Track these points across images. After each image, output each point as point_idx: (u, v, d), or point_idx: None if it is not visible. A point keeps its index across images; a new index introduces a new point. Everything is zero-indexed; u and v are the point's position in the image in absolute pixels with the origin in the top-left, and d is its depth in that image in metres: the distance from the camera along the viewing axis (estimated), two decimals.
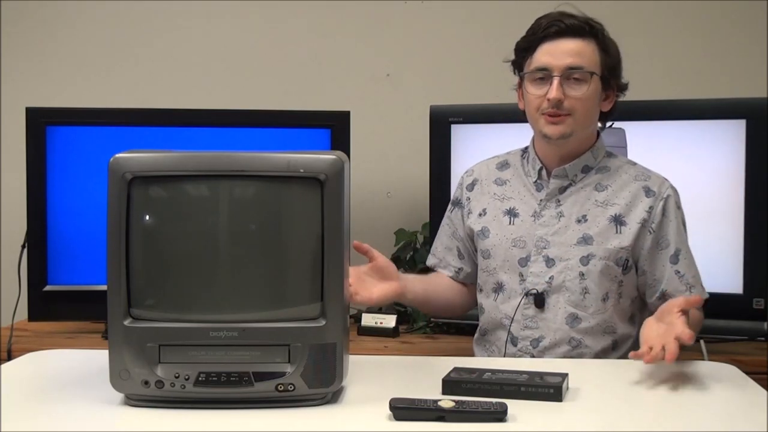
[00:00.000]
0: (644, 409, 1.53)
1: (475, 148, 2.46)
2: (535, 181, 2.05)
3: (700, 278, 2.01)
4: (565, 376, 1.57)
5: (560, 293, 1.97)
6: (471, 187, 2.14)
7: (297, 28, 3.04)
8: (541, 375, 1.57)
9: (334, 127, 2.61)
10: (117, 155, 1.47)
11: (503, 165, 2.13)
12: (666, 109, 2.47)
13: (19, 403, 1.53)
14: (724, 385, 1.67)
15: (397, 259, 2.83)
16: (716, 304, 2.31)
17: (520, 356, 1.98)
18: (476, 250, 2.11)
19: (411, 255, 2.85)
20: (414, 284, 2.03)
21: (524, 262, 2.00)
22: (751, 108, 2.37)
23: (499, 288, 2.03)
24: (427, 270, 2.22)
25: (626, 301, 2.00)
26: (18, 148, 2.65)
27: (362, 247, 1.88)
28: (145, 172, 1.47)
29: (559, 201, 2.01)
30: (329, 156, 1.49)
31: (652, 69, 2.85)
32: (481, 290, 2.09)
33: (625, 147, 2.45)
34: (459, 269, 2.15)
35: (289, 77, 3.02)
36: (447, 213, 2.19)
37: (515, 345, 1.99)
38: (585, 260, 1.95)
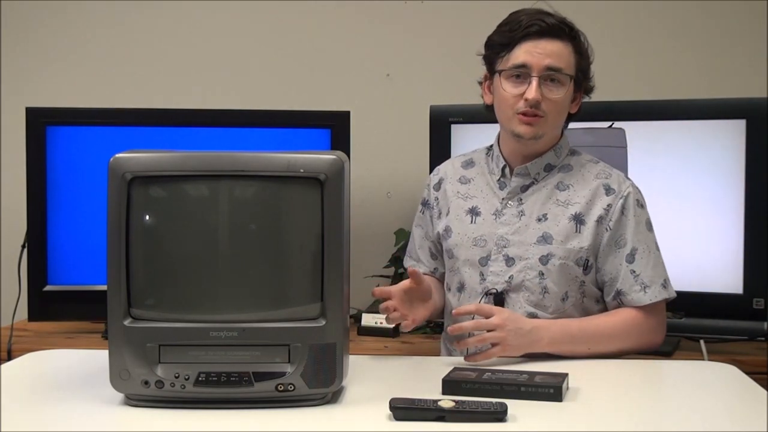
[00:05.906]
0: (644, 409, 1.53)
1: (475, 148, 2.45)
2: (498, 179, 2.04)
3: (660, 279, 1.92)
4: (565, 376, 1.57)
5: (519, 292, 1.95)
6: (438, 186, 2.13)
7: (297, 28, 3.03)
8: (541, 375, 1.57)
9: (334, 127, 2.61)
10: (117, 155, 1.48)
11: (468, 163, 2.12)
12: (666, 109, 2.46)
13: (19, 403, 1.53)
14: (724, 385, 1.67)
15: (397, 259, 2.83)
16: (716, 304, 2.31)
17: None
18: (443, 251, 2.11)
19: None
20: (436, 297, 2.03)
21: (485, 261, 1.98)
22: (751, 108, 2.37)
23: (461, 287, 2.02)
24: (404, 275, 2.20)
25: (590, 302, 1.97)
26: (18, 148, 2.65)
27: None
28: (145, 172, 1.48)
29: (521, 199, 2.00)
30: (329, 156, 1.49)
31: (651, 69, 2.85)
32: (449, 289, 2.08)
33: (625, 147, 2.45)
34: (434, 269, 2.15)
35: (289, 77, 3.02)
36: (418, 214, 2.18)
37: None
38: (544, 259, 1.93)
